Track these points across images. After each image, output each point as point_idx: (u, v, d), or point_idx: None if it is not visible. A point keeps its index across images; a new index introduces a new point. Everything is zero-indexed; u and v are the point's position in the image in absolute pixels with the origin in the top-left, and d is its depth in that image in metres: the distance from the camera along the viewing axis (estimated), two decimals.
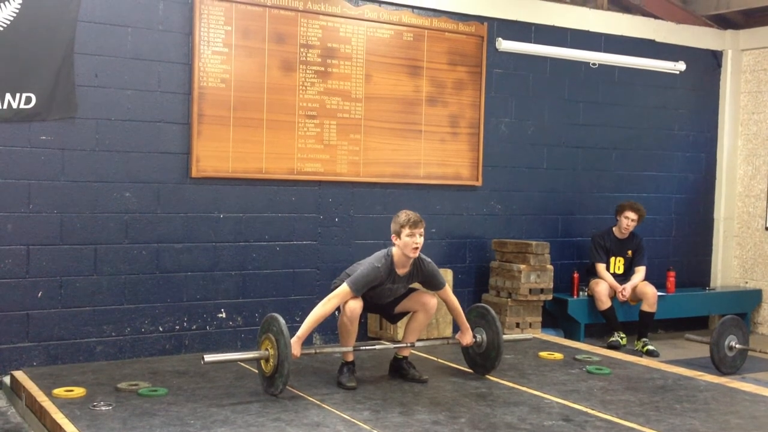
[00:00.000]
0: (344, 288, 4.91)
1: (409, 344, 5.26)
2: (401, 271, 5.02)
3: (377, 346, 5.46)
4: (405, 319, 5.42)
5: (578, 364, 5.80)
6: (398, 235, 4.91)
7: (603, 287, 7.24)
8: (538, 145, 7.60)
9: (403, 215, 4.93)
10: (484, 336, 5.36)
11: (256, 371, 4.96)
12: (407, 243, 4.88)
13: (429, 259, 5.14)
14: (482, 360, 5.40)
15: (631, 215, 7.40)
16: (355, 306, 4.94)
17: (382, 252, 5.02)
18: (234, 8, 6.10)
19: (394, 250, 4.98)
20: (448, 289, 5.27)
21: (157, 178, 5.92)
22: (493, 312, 5.40)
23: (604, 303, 7.22)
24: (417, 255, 4.96)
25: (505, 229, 7.43)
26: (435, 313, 6.61)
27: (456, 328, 5.46)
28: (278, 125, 6.31)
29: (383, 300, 5.18)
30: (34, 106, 5.44)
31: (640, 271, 7.46)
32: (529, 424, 4.29)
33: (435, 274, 5.15)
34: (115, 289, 5.80)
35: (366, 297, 5.04)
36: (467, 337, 5.33)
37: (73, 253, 5.66)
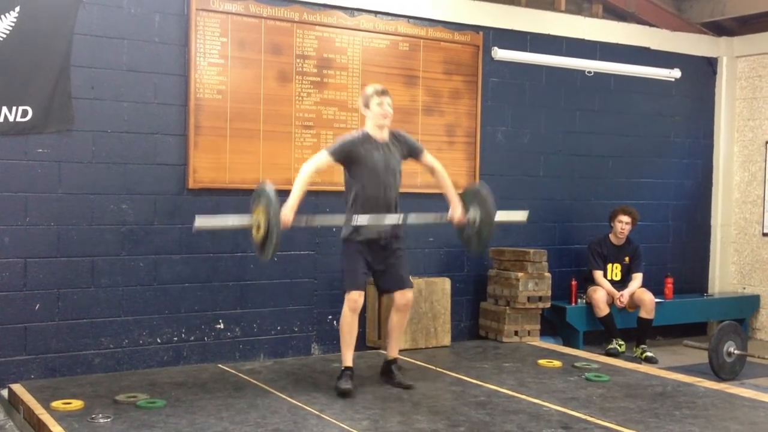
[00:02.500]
0: (322, 152, 5.14)
1: (400, 222, 5.17)
2: (379, 136, 5.15)
3: (367, 218, 5.08)
4: (387, 326, 5.44)
5: (577, 372, 5.80)
6: (367, 105, 5.13)
7: (601, 294, 7.24)
8: (534, 153, 7.61)
9: (370, 87, 5.18)
10: (478, 213, 5.29)
11: (255, 381, 4.95)
12: (377, 112, 5.10)
13: (402, 130, 5.37)
14: (476, 238, 5.36)
15: (625, 218, 7.42)
16: (358, 297, 5.04)
17: (356, 130, 5.30)
18: (230, 20, 6.11)
19: (366, 125, 5.19)
20: (429, 155, 5.41)
21: (154, 189, 5.92)
22: (485, 191, 5.33)
23: (603, 310, 7.22)
24: (387, 123, 5.13)
25: (503, 237, 7.42)
26: (433, 322, 6.66)
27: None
28: (275, 136, 6.32)
29: (381, 174, 5.10)
30: (30, 119, 5.45)
31: (638, 278, 7.46)
32: None
33: (410, 139, 5.38)
34: (112, 301, 5.79)
35: (367, 181, 5.07)
36: (458, 212, 5.30)
37: (70, 265, 5.65)
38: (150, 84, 5.87)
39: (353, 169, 5.15)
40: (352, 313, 5.08)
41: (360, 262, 5.12)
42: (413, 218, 5.29)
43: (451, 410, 4.74)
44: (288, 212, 4.85)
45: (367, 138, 5.14)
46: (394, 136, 5.25)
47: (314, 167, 5.11)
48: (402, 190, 6.82)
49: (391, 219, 5.17)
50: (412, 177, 6.92)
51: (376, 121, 5.10)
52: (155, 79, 5.89)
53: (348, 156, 5.12)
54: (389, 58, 6.79)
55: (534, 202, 7.63)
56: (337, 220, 5.14)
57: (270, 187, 4.78)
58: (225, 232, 6.17)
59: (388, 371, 5.31)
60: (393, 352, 5.36)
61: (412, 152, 5.33)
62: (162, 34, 5.90)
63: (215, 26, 6.06)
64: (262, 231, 4.77)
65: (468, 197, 5.39)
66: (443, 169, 5.33)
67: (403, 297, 5.26)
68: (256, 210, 4.86)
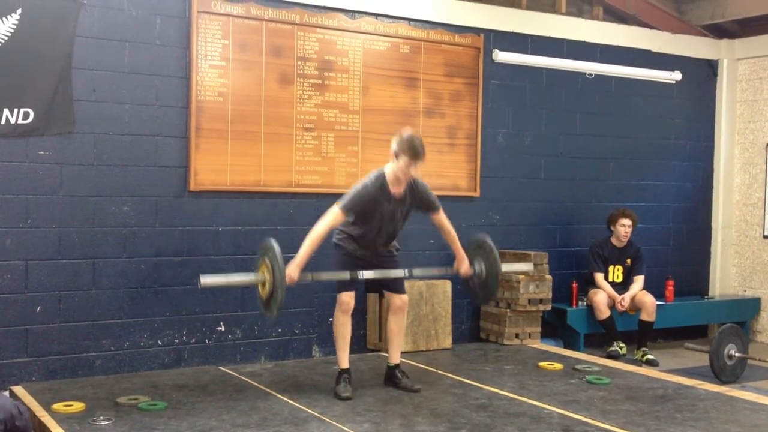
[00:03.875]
0: (335, 209, 4.94)
1: (406, 275, 5.18)
2: (395, 190, 4.98)
3: (373, 272, 5.17)
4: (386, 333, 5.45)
5: (578, 374, 5.80)
6: (396, 156, 4.88)
7: (602, 297, 7.24)
8: (535, 155, 7.62)
9: (408, 140, 4.85)
10: (483, 266, 5.32)
11: (256, 384, 4.96)
12: (402, 169, 4.87)
13: (421, 180, 5.13)
14: (482, 290, 5.38)
15: (626, 222, 7.43)
16: (348, 300, 5.03)
17: (375, 171, 5.01)
18: (231, 22, 6.12)
19: (387, 170, 4.96)
20: (443, 214, 5.26)
21: (156, 191, 5.93)
22: (490, 242, 5.36)
23: (603, 313, 7.22)
24: (408, 179, 4.96)
25: (504, 239, 7.42)
26: (434, 324, 6.67)
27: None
28: (276, 138, 6.33)
29: (379, 228, 5.07)
30: (32, 121, 5.46)
31: (639, 281, 7.46)
32: None
33: (429, 195, 5.14)
34: (113, 303, 5.80)
35: (363, 225, 5.02)
36: (464, 265, 5.29)
37: (71, 267, 5.65)
38: (151, 86, 5.88)
39: (358, 215, 5.05)
40: (344, 315, 5.10)
41: (350, 265, 5.11)
42: (418, 272, 5.36)
43: (452, 413, 4.74)
44: (294, 269, 4.78)
45: (383, 189, 4.94)
46: (412, 187, 5.05)
47: (328, 226, 4.94)
48: None
49: (396, 273, 5.22)
50: None
51: (398, 173, 4.90)
52: (156, 82, 5.89)
53: (360, 211, 5.00)
54: (390, 61, 6.80)
55: (535, 204, 7.64)
56: (342, 275, 5.11)
57: (276, 244, 4.73)
58: (226, 235, 6.17)
59: (392, 376, 5.31)
60: (395, 358, 5.35)
61: (426, 208, 5.18)
62: (163, 36, 5.91)
63: (216, 28, 6.07)
64: (267, 288, 4.74)
65: (472, 249, 5.42)
66: (452, 228, 5.29)
67: (399, 299, 5.26)
68: (261, 266, 4.82)
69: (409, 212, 5.17)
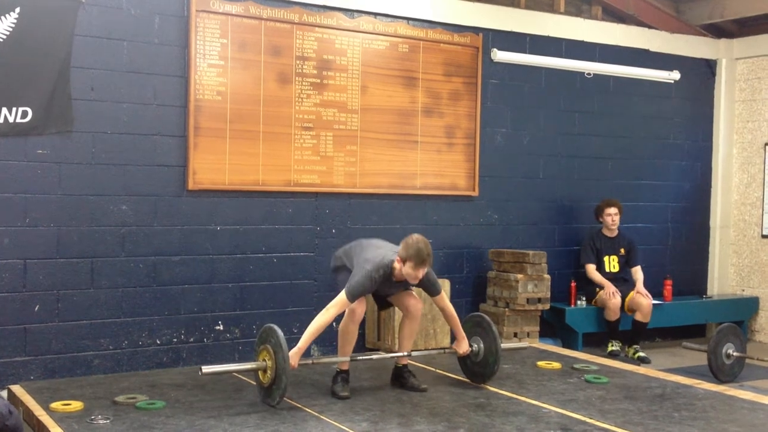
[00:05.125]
0: (341, 298, 4.92)
1: (405, 354, 5.27)
2: (399, 280, 5.05)
3: (374, 356, 5.47)
4: (397, 329, 5.42)
5: (576, 373, 5.80)
6: (403, 261, 4.90)
7: (617, 301, 7.23)
8: (534, 155, 7.62)
9: (414, 248, 4.85)
10: (481, 345, 5.36)
11: (254, 383, 4.95)
12: (409, 274, 4.91)
13: (429, 270, 5.15)
14: (480, 369, 5.40)
15: (612, 210, 7.47)
16: (360, 311, 5.00)
17: (382, 262, 4.95)
18: (230, 21, 6.12)
19: (396, 265, 4.96)
20: (444, 297, 5.29)
21: (154, 191, 5.93)
22: (488, 320, 5.40)
23: (616, 314, 7.25)
24: (416, 283, 5.02)
25: (502, 238, 7.44)
26: (432, 324, 6.67)
27: (454, 337, 5.45)
28: (275, 137, 6.33)
29: (382, 293, 5.23)
30: (30, 120, 5.45)
31: (638, 271, 7.51)
32: None
33: (433, 282, 5.16)
34: (112, 302, 5.80)
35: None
36: (463, 346, 5.33)
37: (70, 266, 5.65)
38: (150, 85, 5.87)
39: None
40: (354, 324, 5.04)
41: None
42: (417, 353, 5.40)
43: (450, 412, 4.74)
44: (295, 357, 4.74)
45: (387, 278, 4.98)
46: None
47: (334, 314, 4.92)
48: (401, 191, 6.90)
49: (396, 355, 5.31)
50: (411, 178, 6.94)
51: (405, 277, 4.93)
52: (155, 81, 5.89)
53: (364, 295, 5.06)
54: (389, 60, 6.80)
55: (533, 203, 7.64)
56: (342, 359, 5.12)
57: (278, 331, 4.70)
58: (224, 235, 6.17)
59: (399, 376, 5.31)
60: (403, 358, 5.35)
61: (428, 292, 5.21)
62: (162, 35, 5.91)
63: (215, 27, 6.06)
64: (269, 375, 4.69)
65: (469, 327, 5.44)
66: (454, 313, 5.30)
67: (414, 306, 5.25)
68: (261, 352, 4.77)
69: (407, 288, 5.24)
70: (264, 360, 4.73)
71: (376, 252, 5.04)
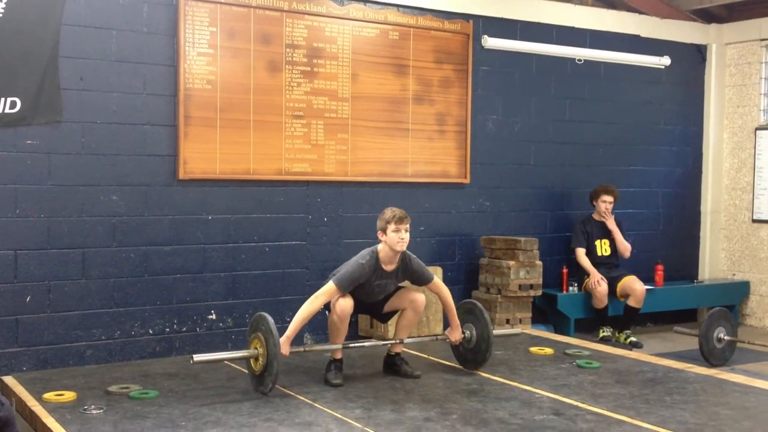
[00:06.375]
0: (330, 285, 4.94)
1: (398, 341, 5.28)
2: (388, 267, 5.05)
3: (366, 343, 5.49)
4: (395, 318, 5.43)
5: (568, 359, 5.82)
6: (384, 231, 4.97)
7: (604, 288, 7.25)
8: (525, 141, 7.62)
9: (389, 212, 4.99)
10: (474, 331, 5.38)
11: (246, 371, 4.96)
12: (393, 239, 4.93)
13: (414, 256, 5.17)
14: (472, 355, 5.42)
15: (608, 198, 7.49)
16: (345, 305, 4.97)
17: (368, 250, 5.06)
18: (218, 9, 6.09)
19: (380, 247, 5.03)
20: (438, 282, 5.30)
21: (145, 180, 5.91)
22: (480, 306, 5.42)
23: (603, 302, 7.28)
24: (403, 249, 5.00)
25: (494, 225, 7.45)
26: (425, 311, 6.67)
27: (447, 324, 5.47)
28: (265, 126, 6.31)
29: (373, 298, 5.19)
30: (19, 110, 5.42)
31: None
32: (520, 419, 4.31)
33: (422, 270, 5.18)
34: (104, 292, 5.78)
35: (356, 296, 5.06)
36: (456, 334, 5.34)
37: (61, 257, 5.64)
38: (139, 74, 5.85)
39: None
40: (341, 320, 5.02)
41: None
42: (410, 340, 5.41)
43: (443, 398, 4.76)
44: (285, 343, 4.76)
45: (377, 269, 5.00)
46: (405, 264, 5.09)
47: (322, 303, 4.95)
48: (393, 179, 6.89)
49: (390, 341, 5.32)
50: (402, 166, 6.93)
51: (392, 246, 4.94)
52: (144, 70, 5.86)
53: (353, 287, 5.02)
54: (379, 48, 6.78)
55: (525, 190, 7.65)
56: (334, 347, 5.12)
57: (269, 318, 4.71)
58: (216, 224, 6.16)
59: (392, 363, 5.32)
60: (397, 346, 5.36)
61: (420, 282, 5.22)
62: (150, 24, 5.88)
63: (204, 16, 6.03)
64: (261, 362, 4.71)
65: (461, 314, 5.44)
66: (450, 298, 5.31)
67: (420, 296, 5.27)
68: (253, 340, 4.79)
69: (399, 282, 5.23)
70: (255, 348, 4.74)
71: (361, 252, 5.09)
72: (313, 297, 4.95)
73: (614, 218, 7.62)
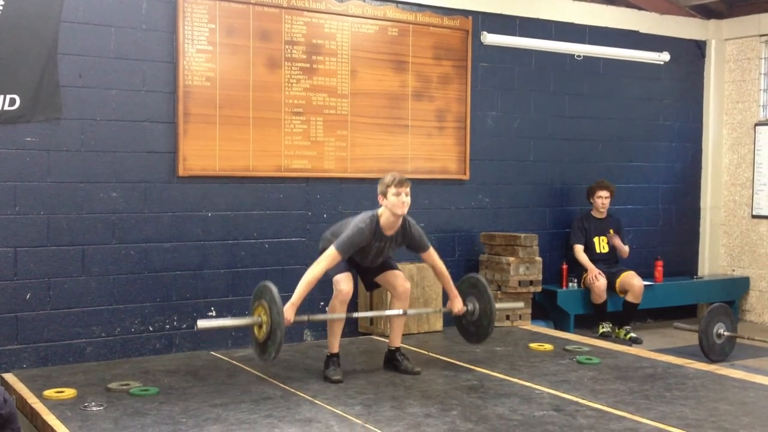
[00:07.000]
0: (332, 251, 4.94)
1: (402, 312, 5.24)
2: (388, 232, 5.04)
3: (369, 314, 5.45)
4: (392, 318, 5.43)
5: (568, 355, 5.83)
6: (384, 194, 4.96)
7: (603, 283, 7.26)
8: (524, 138, 7.62)
9: (389, 176, 5.00)
10: (477, 304, 5.36)
11: (248, 368, 4.96)
12: (394, 202, 4.92)
13: (414, 222, 5.17)
14: (475, 329, 5.41)
15: (604, 193, 7.50)
16: (347, 290, 5.00)
17: (368, 214, 5.04)
18: (217, 6, 6.08)
19: (380, 211, 5.01)
20: (434, 253, 5.28)
21: (144, 177, 5.90)
22: (484, 281, 5.41)
23: (601, 297, 7.28)
24: (404, 213, 4.99)
25: (494, 222, 7.45)
26: (425, 307, 6.67)
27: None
28: (264, 123, 6.30)
29: (369, 261, 5.17)
30: (18, 107, 5.42)
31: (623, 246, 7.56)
32: (520, 415, 4.31)
33: (420, 236, 5.18)
34: (103, 289, 5.78)
35: (352, 257, 5.08)
36: (457, 305, 5.33)
37: (60, 254, 5.63)
38: (138, 71, 5.84)
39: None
40: (342, 305, 5.07)
41: (345, 264, 5.10)
42: (412, 311, 5.41)
43: (443, 394, 4.76)
44: (290, 310, 4.77)
45: (377, 232, 4.99)
46: (405, 229, 5.10)
47: (325, 268, 4.94)
48: None
49: (392, 312, 5.30)
50: (401, 162, 6.93)
51: (393, 209, 4.93)
52: (143, 67, 5.86)
53: (354, 251, 5.02)
54: (378, 44, 6.77)
55: (524, 186, 7.65)
56: (338, 316, 5.13)
57: (272, 286, 4.73)
58: (215, 221, 6.16)
59: (392, 359, 5.32)
60: (396, 341, 5.36)
61: (416, 248, 5.22)
62: (149, 20, 5.87)
63: (203, 12, 6.03)
64: (264, 330, 4.71)
65: (465, 288, 5.44)
66: (445, 269, 5.32)
67: (401, 285, 5.27)
68: (257, 308, 4.80)
69: (397, 246, 5.23)
70: (259, 315, 4.74)
71: (362, 216, 5.08)
72: (314, 263, 4.96)
73: (614, 217, 7.61)
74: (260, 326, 4.76)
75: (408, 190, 4.96)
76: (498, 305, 5.48)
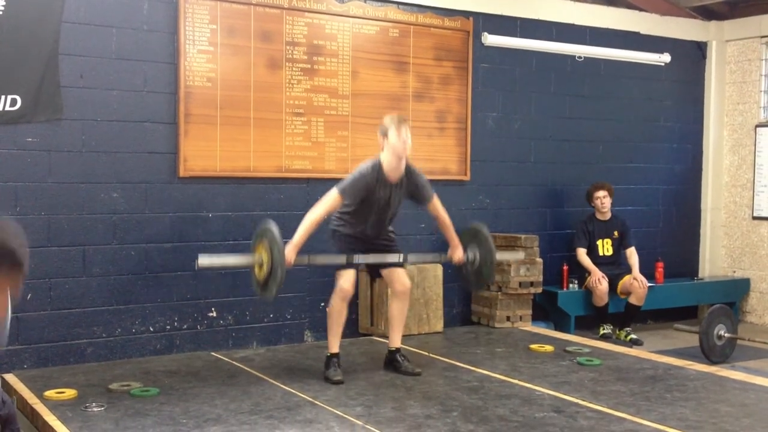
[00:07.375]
0: (333, 193, 4.92)
1: (399, 261, 5.20)
2: (392, 177, 4.99)
3: (370, 259, 5.20)
4: (387, 315, 5.42)
5: (569, 356, 5.83)
6: (385, 135, 4.91)
7: (605, 286, 7.26)
8: (525, 139, 7.62)
9: (388, 117, 4.98)
10: (477, 253, 5.35)
11: (248, 369, 4.96)
12: (395, 143, 4.87)
13: (419, 170, 5.14)
14: (475, 277, 5.42)
15: (601, 193, 7.50)
16: (348, 288, 5.00)
17: (369, 161, 5.02)
18: (219, 6, 6.08)
19: (382, 156, 4.97)
20: (438, 203, 5.26)
21: (145, 178, 5.91)
22: (485, 232, 5.40)
23: (603, 301, 7.28)
24: (407, 154, 4.94)
25: (494, 222, 7.44)
26: (425, 308, 6.68)
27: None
28: (265, 123, 6.31)
29: (374, 217, 5.08)
30: (19, 108, 5.42)
31: (633, 253, 7.54)
32: (520, 417, 4.31)
33: (424, 184, 5.16)
34: (104, 290, 5.79)
35: (358, 224, 5.04)
36: (458, 254, 5.32)
37: (61, 254, 5.64)
38: (139, 72, 5.84)
39: (354, 201, 5.01)
40: (342, 302, 5.08)
41: (347, 251, 5.10)
42: (413, 258, 5.39)
43: (444, 395, 4.76)
44: (291, 251, 4.75)
45: (380, 178, 4.94)
46: (409, 175, 5.06)
47: (326, 210, 4.91)
48: None
49: (392, 258, 5.25)
50: None
51: (394, 151, 4.89)
52: (144, 67, 5.86)
53: (357, 196, 4.97)
54: (379, 45, 6.78)
55: (525, 187, 7.65)
56: (338, 259, 5.11)
57: (274, 226, 4.72)
58: (216, 222, 6.16)
59: (393, 360, 5.31)
60: (396, 342, 5.35)
61: (420, 195, 5.17)
62: (150, 21, 5.87)
63: (204, 13, 6.03)
64: (265, 269, 4.70)
65: (467, 237, 5.43)
66: (447, 216, 5.30)
67: (400, 283, 5.25)
68: (258, 247, 4.78)
69: (403, 198, 5.18)
70: (260, 254, 4.73)
71: (364, 163, 5.06)
72: (315, 206, 4.94)
73: (619, 219, 7.59)
74: (261, 266, 4.74)
75: (408, 129, 4.92)
76: (498, 255, 5.47)
